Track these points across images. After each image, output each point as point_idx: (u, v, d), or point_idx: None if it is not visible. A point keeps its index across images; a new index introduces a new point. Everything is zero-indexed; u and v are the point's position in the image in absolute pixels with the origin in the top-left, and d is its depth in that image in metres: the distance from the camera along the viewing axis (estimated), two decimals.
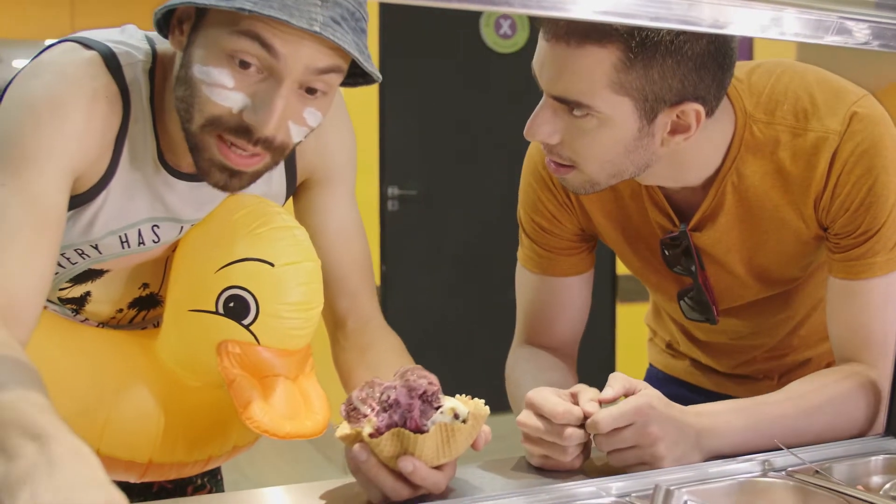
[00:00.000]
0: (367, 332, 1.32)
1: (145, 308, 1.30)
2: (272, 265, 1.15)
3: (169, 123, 1.17)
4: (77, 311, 1.28)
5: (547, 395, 1.14)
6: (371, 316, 1.35)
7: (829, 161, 1.24)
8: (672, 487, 0.93)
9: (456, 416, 1.00)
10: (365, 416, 1.00)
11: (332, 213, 1.32)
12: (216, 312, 1.15)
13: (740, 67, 1.30)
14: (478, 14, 4.66)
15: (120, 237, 1.19)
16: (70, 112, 1.09)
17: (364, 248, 1.36)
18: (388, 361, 1.25)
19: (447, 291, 4.75)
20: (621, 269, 4.77)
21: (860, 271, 1.25)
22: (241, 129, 1.08)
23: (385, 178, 4.59)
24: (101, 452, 1.17)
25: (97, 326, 1.29)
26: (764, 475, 1.09)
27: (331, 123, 1.29)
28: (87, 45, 1.14)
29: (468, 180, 4.75)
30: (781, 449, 1.13)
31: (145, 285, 1.28)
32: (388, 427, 0.99)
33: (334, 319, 1.34)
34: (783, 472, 1.09)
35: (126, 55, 1.15)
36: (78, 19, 6.42)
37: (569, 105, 1.16)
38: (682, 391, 1.61)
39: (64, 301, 1.25)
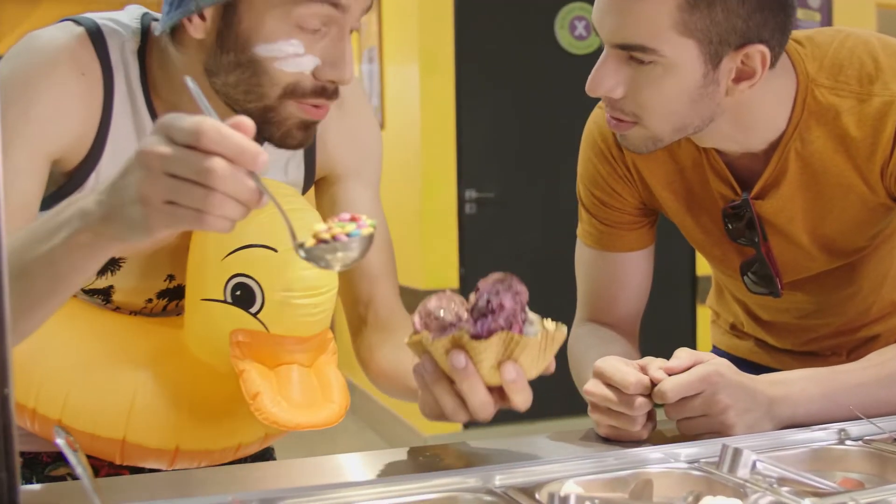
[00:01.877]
0: (391, 317, 1.30)
1: (176, 298, 1.28)
2: (275, 251, 1.12)
3: (170, 101, 1.16)
4: (107, 301, 1.26)
5: (617, 365, 1.12)
6: (394, 303, 1.32)
7: None
8: (741, 446, 0.91)
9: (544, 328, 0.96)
10: (452, 324, 0.95)
11: (356, 205, 1.30)
12: (225, 301, 1.13)
13: (802, 33, 1.28)
14: (552, 15, 4.65)
15: None
16: (41, 94, 1.07)
17: (387, 239, 1.34)
18: None
19: None
20: (701, 270, 4.70)
21: None
22: (318, 90, 1.09)
23: (462, 182, 4.60)
24: (128, 440, 1.16)
25: (130, 315, 1.28)
26: (840, 444, 1.06)
27: (356, 118, 1.29)
28: (78, 21, 1.14)
29: (544, 182, 4.73)
30: (859, 418, 1.10)
31: (171, 277, 1.26)
32: (491, 332, 0.93)
33: (355, 305, 1.31)
34: (860, 441, 1.06)
35: (113, 33, 1.14)
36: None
37: (633, 51, 1.15)
38: (747, 370, 1.57)
39: (88, 292, 1.24)
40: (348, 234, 0.86)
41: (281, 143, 1.13)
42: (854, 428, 1.08)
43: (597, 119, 1.42)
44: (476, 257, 4.64)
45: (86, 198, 0.88)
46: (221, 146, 0.79)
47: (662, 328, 4.00)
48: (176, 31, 1.11)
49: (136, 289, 1.25)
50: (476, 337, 0.93)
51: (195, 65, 1.11)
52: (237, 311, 1.13)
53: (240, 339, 1.12)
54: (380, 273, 1.31)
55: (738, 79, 1.17)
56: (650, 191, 1.39)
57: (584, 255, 1.47)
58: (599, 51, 1.24)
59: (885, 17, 5.08)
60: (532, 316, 0.97)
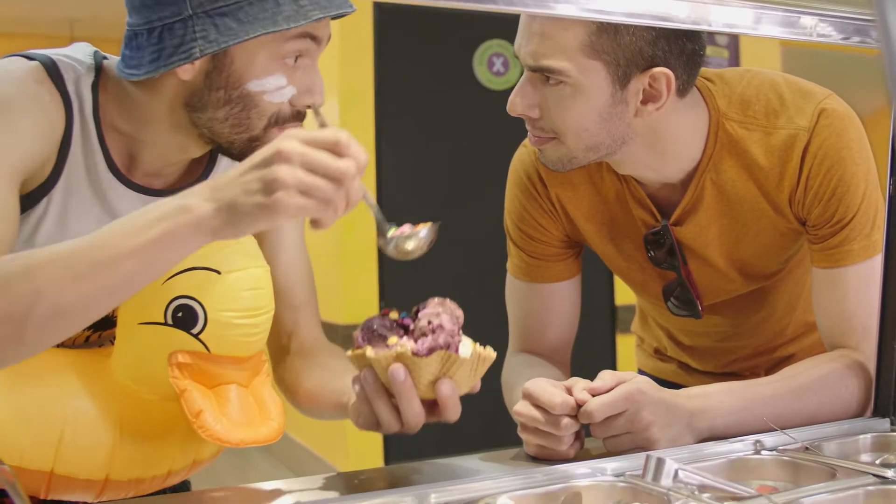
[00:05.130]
0: (313, 345, 1.36)
1: (100, 329, 1.29)
2: (219, 272, 1.15)
3: (120, 136, 1.20)
4: None
5: (544, 386, 1.16)
6: (316, 332, 1.38)
7: (801, 156, 1.29)
8: (663, 457, 0.96)
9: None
10: (395, 340, 1.03)
11: (280, 244, 1.35)
12: (165, 323, 1.14)
13: (712, 71, 1.36)
14: (471, 52, 4.74)
15: None
16: (17, 113, 1.12)
17: (309, 272, 1.39)
18: (337, 365, 1.28)
19: None
20: (620, 299, 4.79)
21: (839, 259, 1.30)
22: (294, 115, 1.17)
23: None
24: (57, 472, 1.15)
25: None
26: (756, 454, 1.12)
27: None
28: (29, 56, 1.18)
29: (466, 216, 4.79)
30: (773, 429, 1.16)
31: None
32: (431, 349, 1.01)
33: (278, 335, 1.35)
34: (774, 451, 1.12)
35: (69, 67, 1.19)
36: None
37: (545, 74, 1.22)
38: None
39: None
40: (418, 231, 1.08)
41: None
42: (769, 439, 1.14)
43: (521, 157, 1.48)
44: (397, 292, 4.66)
45: (181, 197, 0.99)
46: (352, 153, 0.96)
47: (583, 357, 4.04)
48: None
49: None
50: (417, 354, 1.01)
51: (173, 103, 1.16)
52: (177, 333, 1.14)
53: (180, 359, 1.14)
54: (302, 303, 1.36)
55: (646, 100, 1.24)
56: (574, 223, 1.45)
57: (514, 288, 1.52)
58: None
59: (789, 54, 5.31)
60: (465, 338, 1.05)
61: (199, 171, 1.29)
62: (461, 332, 1.05)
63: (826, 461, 1.06)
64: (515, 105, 1.27)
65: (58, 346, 1.25)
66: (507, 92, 1.27)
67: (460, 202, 4.77)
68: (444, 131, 4.75)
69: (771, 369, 1.54)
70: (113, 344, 1.22)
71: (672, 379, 1.65)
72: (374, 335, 1.04)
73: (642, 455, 1.07)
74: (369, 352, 1.03)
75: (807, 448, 1.11)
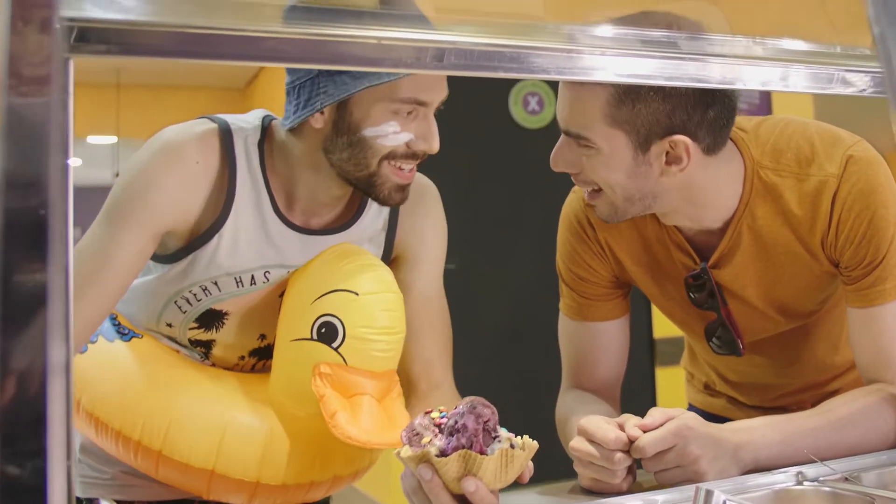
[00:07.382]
0: (436, 394, 1.46)
1: (264, 357, 1.50)
2: (357, 294, 1.33)
3: (283, 183, 1.43)
4: (206, 356, 1.48)
5: (598, 423, 1.24)
6: (443, 381, 1.49)
7: (831, 201, 1.37)
8: (712, 488, 1.03)
9: (511, 446, 1.10)
10: (430, 440, 1.10)
11: (416, 288, 1.50)
12: (311, 339, 1.33)
13: (748, 121, 1.45)
14: (507, 91, 4.84)
15: (235, 279, 1.40)
16: (159, 182, 1.35)
17: (441, 324, 1.52)
18: None
19: (485, 363, 4.83)
20: (659, 332, 4.84)
21: (872, 298, 1.37)
22: (410, 156, 1.38)
23: None
24: (217, 471, 1.35)
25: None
26: (799, 484, 1.19)
27: (428, 213, 1.54)
28: (212, 119, 1.43)
29: (502, 253, 4.87)
30: (814, 461, 1.23)
31: (262, 336, 1.48)
32: (455, 449, 1.08)
33: (407, 383, 1.47)
34: (815, 482, 1.19)
35: (239, 130, 1.43)
36: (123, 113, 6.69)
37: (574, 138, 1.34)
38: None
39: (193, 343, 1.47)
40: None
41: (384, 202, 1.38)
42: (810, 470, 1.21)
43: (571, 203, 1.58)
44: None
45: None
46: None
47: (623, 390, 4.08)
48: (298, 125, 1.40)
49: (233, 345, 1.47)
50: (442, 453, 1.09)
51: (313, 148, 1.39)
52: (321, 347, 1.33)
53: (322, 370, 1.32)
54: (433, 358, 1.49)
55: (669, 162, 1.34)
56: (621, 265, 1.54)
57: (566, 327, 1.61)
58: (553, 125, 1.43)
59: (820, 97, 5.35)
60: (504, 434, 1.12)
61: (349, 215, 1.47)
62: (497, 429, 1.11)
63: (865, 491, 1.13)
64: (557, 163, 1.39)
65: (228, 369, 1.49)
66: (543, 130, 1.41)
67: (499, 238, 4.86)
68: (482, 170, 4.84)
69: (817, 404, 1.61)
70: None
71: (722, 413, 1.72)
72: (413, 435, 1.13)
73: (691, 487, 1.14)
74: (404, 451, 1.12)
75: (846, 479, 1.18)
